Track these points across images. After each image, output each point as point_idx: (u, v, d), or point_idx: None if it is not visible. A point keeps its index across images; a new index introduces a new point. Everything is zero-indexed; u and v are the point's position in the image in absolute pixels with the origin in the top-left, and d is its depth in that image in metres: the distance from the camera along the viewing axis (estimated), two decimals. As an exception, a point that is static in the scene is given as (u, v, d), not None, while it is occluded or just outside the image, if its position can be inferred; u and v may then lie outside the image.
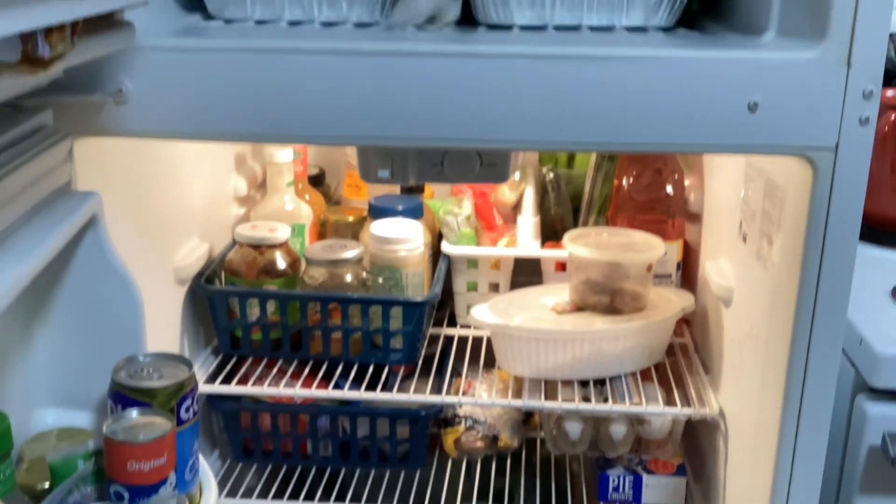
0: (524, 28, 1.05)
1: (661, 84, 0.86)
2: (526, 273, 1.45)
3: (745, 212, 1.12)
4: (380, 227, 1.30)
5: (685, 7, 1.05)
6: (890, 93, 1.39)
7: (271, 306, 1.25)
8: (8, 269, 0.61)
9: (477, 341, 1.39)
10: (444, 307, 1.45)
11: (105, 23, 0.61)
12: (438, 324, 1.43)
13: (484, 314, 1.25)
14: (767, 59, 0.85)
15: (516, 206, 1.44)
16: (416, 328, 1.27)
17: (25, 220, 0.71)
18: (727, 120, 0.86)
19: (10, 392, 0.83)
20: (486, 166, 0.97)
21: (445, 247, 1.39)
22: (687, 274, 1.41)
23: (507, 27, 1.05)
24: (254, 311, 1.26)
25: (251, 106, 0.89)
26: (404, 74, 0.87)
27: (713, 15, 1.10)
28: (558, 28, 1.05)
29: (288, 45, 0.88)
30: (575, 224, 1.47)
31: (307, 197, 1.48)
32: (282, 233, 1.29)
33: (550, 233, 1.45)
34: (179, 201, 1.21)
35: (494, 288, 1.42)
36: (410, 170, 0.96)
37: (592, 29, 1.04)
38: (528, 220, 1.41)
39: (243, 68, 0.88)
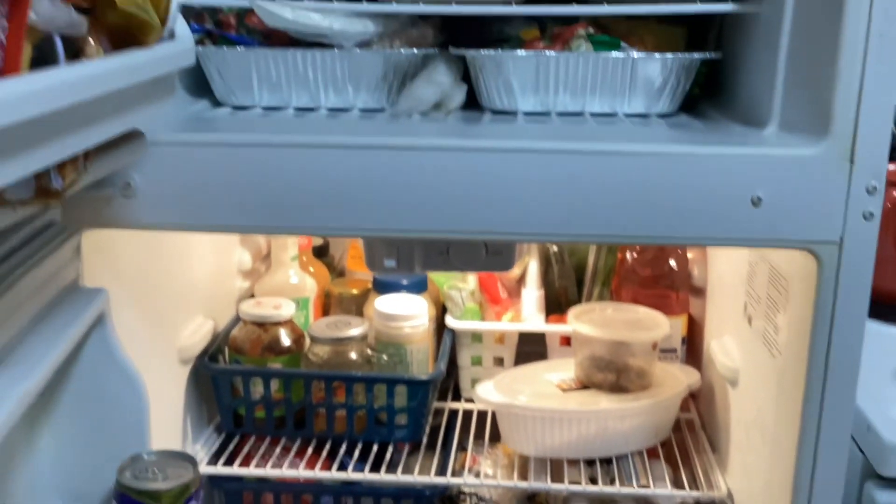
0: (528, 114, 1.06)
1: (665, 179, 0.87)
2: (531, 343, 1.45)
3: (750, 294, 1.12)
4: (384, 304, 1.30)
5: (686, 92, 1.07)
6: (892, 167, 1.39)
7: (275, 384, 1.25)
8: (15, 386, 0.61)
9: (482, 415, 1.38)
10: (448, 378, 1.45)
11: (117, 139, 0.62)
12: (443, 396, 1.43)
13: (489, 393, 1.25)
14: (770, 155, 0.86)
15: (520, 280, 1.44)
16: (421, 405, 1.26)
17: (32, 327, 0.71)
18: (731, 214, 0.87)
19: (15, 490, 0.82)
20: (491, 255, 0.97)
21: (450, 321, 1.39)
22: (692, 348, 1.41)
23: (512, 113, 1.06)
24: (257, 390, 1.26)
25: (259, 199, 0.90)
26: (410, 168, 0.88)
27: (714, 100, 1.11)
28: (561, 114, 1.06)
29: (295, 140, 0.89)
30: (579, 296, 1.47)
31: (311, 269, 1.49)
32: (286, 310, 1.29)
33: (555, 305, 1.45)
34: (185, 280, 1.22)
35: (499, 362, 1.41)
36: (416, 259, 0.97)
37: (595, 115, 1.06)
38: (532, 294, 1.41)
39: (250, 162, 0.89)
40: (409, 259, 0.97)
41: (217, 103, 1.10)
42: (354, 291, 1.45)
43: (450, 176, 0.88)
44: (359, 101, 1.07)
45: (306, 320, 1.41)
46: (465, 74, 1.09)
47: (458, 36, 1.11)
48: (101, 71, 0.50)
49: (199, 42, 1.06)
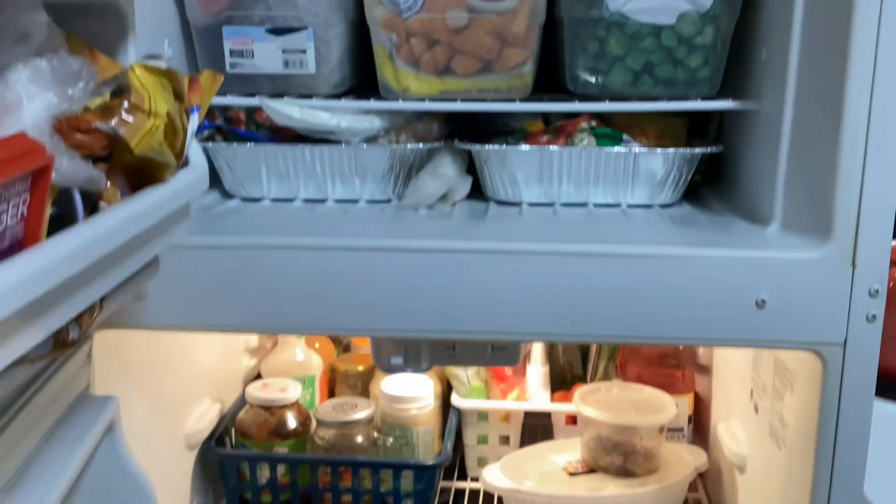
0: (532, 205, 1.08)
1: (670, 281, 0.87)
2: (537, 417, 1.45)
3: (756, 381, 1.13)
4: (390, 385, 1.30)
5: (689, 182, 1.08)
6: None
7: (281, 468, 1.25)
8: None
9: (488, 497, 1.37)
10: (454, 456, 1.44)
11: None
12: (448, 474, 1.42)
13: (495, 477, 1.25)
14: (774, 258, 0.86)
15: (525, 357, 1.45)
16: (427, 488, 1.26)
17: (44, 443, 0.72)
18: (735, 316, 0.87)
19: None
20: (497, 350, 0.98)
21: (456, 400, 1.39)
22: (699, 427, 1.41)
23: (516, 204, 1.08)
24: (264, 474, 1.26)
25: (269, 300, 0.91)
26: (416, 269, 0.89)
27: (717, 188, 1.13)
28: (566, 205, 1.07)
29: (302, 243, 0.90)
30: (584, 372, 1.47)
31: (317, 344, 1.49)
32: (292, 392, 1.29)
33: (560, 381, 1.45)
34: (192, 366, 1.22)
35: (505, 440, 1.41)
36: (423, 356, 0.98)
37: (598, 206, 1.07)
38: (537, 370, 1.41)
39: (260, 264, 0.90)
40: (416, 356, 0.97)
41: (226, 194, 1.11)
42: (360, 368, 1.46)
43: (456, 277, 0.89)
44: (366, 192, 1.09)
45: (312, 398, 1.41)
46: (470, 164, 1.10)
47: (464, 127, 1.13)
48: (120, 221, 0.51)
49: (209, 137, 1.08)
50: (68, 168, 0.49)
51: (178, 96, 0.59)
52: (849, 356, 0.87)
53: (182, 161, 0.65)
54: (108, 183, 0.55)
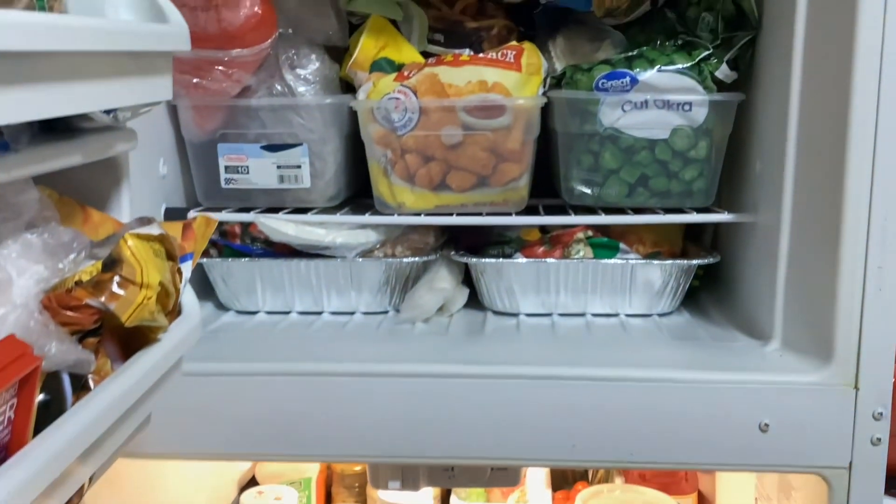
0: (530, 315, 1.07)
1: (670, 405, 0.86)
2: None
3: (760, 491, 1.11)
4: (388, 493, 1.28)
5: (687, 290, 1.07)
6: None
7: (278, 581, 1.22)
8: None
9: None
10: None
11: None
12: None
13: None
14: (776, 382, 0.85)
15: (526, 455, 1.42)
16: None
17: None
18: (738, 441, 0.86)
19: None
20: (497, 472, 0.96)
21: (456, 503, 1.37)
22: (703, 527, 1.38)
23: (514, 314, 1.07)
24: (260, 587, 1.23)
25: (262, 427, 0.89)
26: (412, 395, 0.88)
27: (715, 293, 1.12)
28: (564, 315, 1.07)
29: (296, 369, 0.89)
30: (586, 471, 1.45)
31: (314, 443, 1.47)
32: (288, 501, 1.27)
33: (561, 481, 1.43)
34: (186, 472, 1.20)
35: (506, 543, 1.38)
36: (421, 478, 0.96)
37: (596, 316, 1.06)
38: (539, 471, 1.39)
39: (253, 391, 0.89)
40: (413, 479, 0.96)
41: (220, 306, 1.10)
42: (357, 469, 1.43)
43: (453, 402, 0.88)
44: (362, 304, 1.08)
45: (308, 502, 1.39)
46: (467, 273, 1.10)
47: (460, 236, 1.13)
48: (109, 403, 0.50)
49: (203, 253, 1.07)
50: (57, 353, 0.48)
51: (170, 257, 0.58)
52: (854, 479, 0.86)
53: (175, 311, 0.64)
54: (99, 355, 0.54)
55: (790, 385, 0.85)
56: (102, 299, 0.51)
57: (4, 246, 0.51)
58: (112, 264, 0.53)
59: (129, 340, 0.58)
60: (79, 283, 0.52)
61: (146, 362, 0.56)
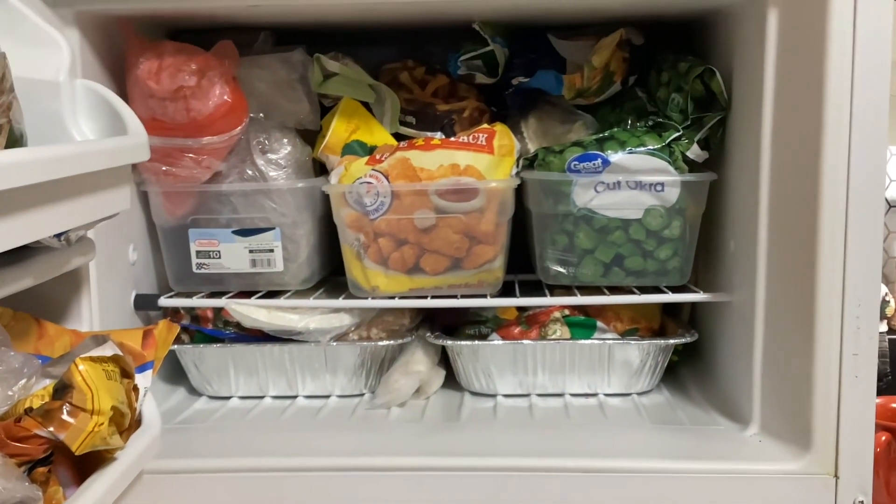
0: (508, 396, 1.05)
1: (652, 496, 0.85)
2: None
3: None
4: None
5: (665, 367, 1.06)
6: (881, 401, 1.38)
7: None
8: None
9: None
10: None
11: None
12: None
13: None
14: (755, 472, 0.84)
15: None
16: None
17: None
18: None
19: None
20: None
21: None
22: None
23: (492, 395, 1.06)
24: None
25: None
26: (388, 489, 0.86)
27: (694, 368, 1.11)
28: (541, 395, 1.05)
29: (265, 464, 0.87)
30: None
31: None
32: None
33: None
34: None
35: None
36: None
37: (575, 396, 1.05)
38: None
39: (228, 488, 0.87)
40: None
41: (193, 390, 1.09)
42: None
43: (428, 495, 0.86)
44: (337, 387, 1.06)
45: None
46: (444, 354, 1.08)
47: (436, 316, 1.12)
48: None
49: (175, 339, 1.06)
50: (3, 491, 0.47)
51: (126, 375, 0.57)
52: (841, 569, 0.84)
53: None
54: (50, 483, 0.52)
55: (770, 474, 0.84)
56: (52, 429, 0.50)
57: (-48, 376, 0.49)
58: (63, 390, 0.51)
59: (83, 462, 0.56)
60: (29, 411, 0.51)
61: (100, 487, 0.55)
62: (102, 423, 0.52)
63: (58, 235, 0.59)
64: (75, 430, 0.51)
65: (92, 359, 0.53)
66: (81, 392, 0.51)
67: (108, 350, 0.55)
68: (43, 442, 0.50)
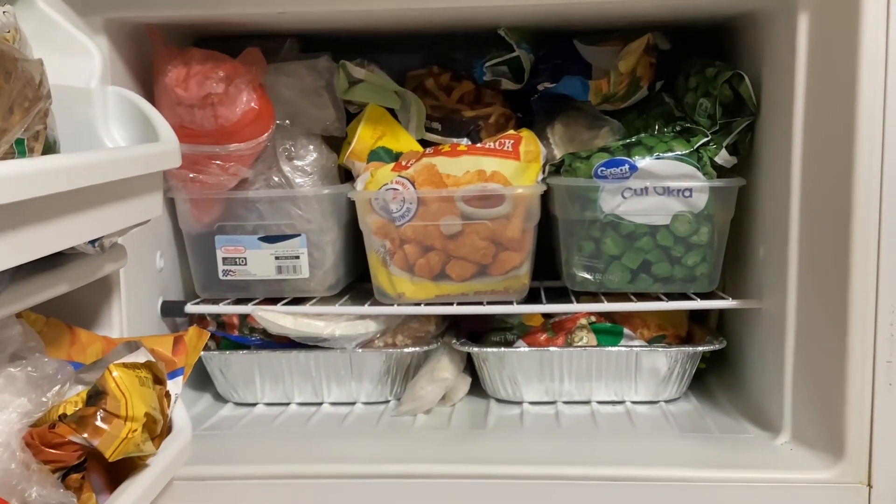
0: (534, 403, 1.05)
1: (679, 504, 0.84)
2: None
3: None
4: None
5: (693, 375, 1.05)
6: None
7: None
8: None
9: None
10: None
11: None
12: None
13: None
14: (787, 480, 0.83)
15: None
16: None
17: None
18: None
19: None
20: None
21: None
22: None
23: (517, 403, 1.05)
24: None
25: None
26: (415, 497, 0.86)
27: (722, 377, 1.10)
28: (568, 402, 1.04)
29: (299, 471, 0.87)
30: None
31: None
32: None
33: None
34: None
35: None
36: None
37: (602, 403, 1.04)
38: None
39: (254, 495, 0.87)
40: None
41: (219, 397, 1.09)
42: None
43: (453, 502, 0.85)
44: (362, 394, 1.06)
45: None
46: (469, 361, 1.08)
47: (462, 323, 1.11)
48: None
49: (201, 345, 1.06)
50: (38, 498, 0.47)
51: (158, 381, 0.57)
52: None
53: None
54: (84, 490, 0.52)
55: (802, 483, 0.83)
56: (86, 435, 0.50)
57: (-13, 381, 0.49)
58: (97, 396, 0.51)
59: (116, 469, 0.57)
60: (63, 418, 0.51)
61: (133, 493, 0.55)
62: (136, 430, 0.52)
63: (92, 242, 0.59)
64: (109, 436, 0.51)
65: (125, 365, 0.53)
66: (115, 398, 0.51)
67: (141, 356, 0.55)
68: (77, 448, 0.50)
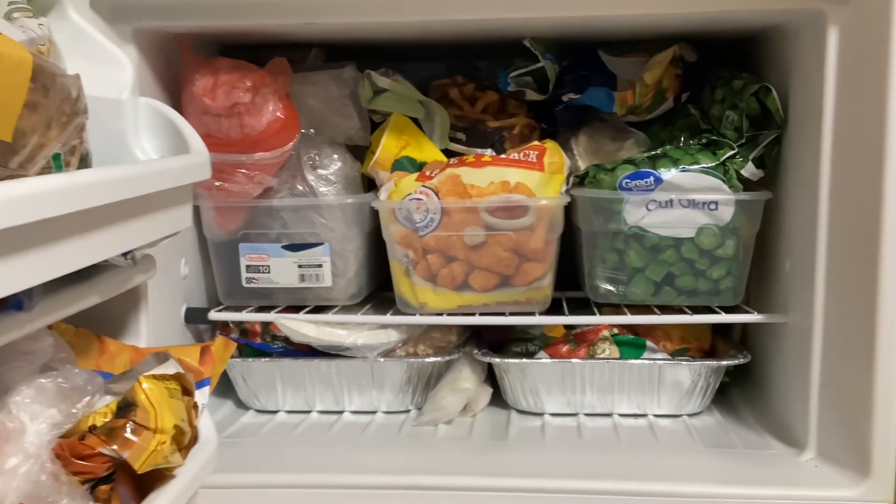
0: (555, 415, 1.04)
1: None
2: None
3: None
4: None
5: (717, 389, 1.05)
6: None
7: None
8: None
9: None
10: None
11: None
12: None
13: None
14: (812, 498, 0.82)
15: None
16: None
17: None
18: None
19: None
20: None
21: None
22: None
23: (539, 414, 1.05)
24: None
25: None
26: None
27: (746, 391, 1.09)
28: (589, 415, 1.04)
29: (320, 481, 0.88)
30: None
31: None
32: None
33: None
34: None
35: None
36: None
37: (623, 416, 1.04)
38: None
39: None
40: None
41: (240, 403, 1.09)
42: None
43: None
44: (383, 403, 1.06)
45: None
46: (490, 371, 1.08)
47: (483, 333, 1.11)
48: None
49: (224, 352, 1.07)
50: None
51: (186, 392, 0.57)
52: None
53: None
54: (112, 502, 0.52)
55: (828, 501, 0.82)
56: (115, 447, 0.50)
57: (18, 392, 0.50)
58: (126, 408, 0.52)
59: (143, 480, 0.57)
60: (92, 429, 0.51)
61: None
62: (164, 442, 0.52)
63: (125, 254, 0.59)
64: (138, 448, 0.51)
65: (155, 377, 0.53)
66: (145, 410, 0.52)
67: (170, 368, 0.55)
68: (106, 460, 0.51)
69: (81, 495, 0.49)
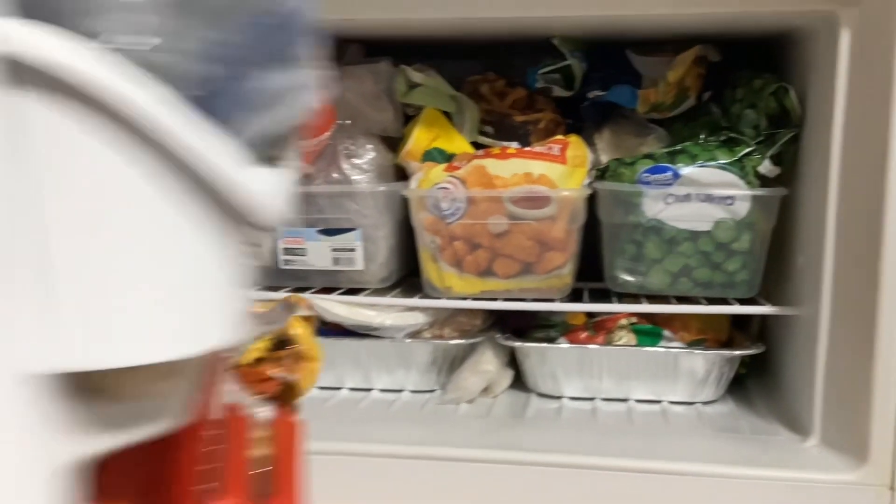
0: (573, 399, 1.09)
1: (707, 499, 0.87)
2: None
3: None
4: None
5: (731, 379, 1.08)
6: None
7: None
8: None
9: None
10: None
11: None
12: None
13: None
14: (811, 480, 0.86)
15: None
16: None
17: None
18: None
19: None
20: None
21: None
22: None
23: (557, 398, 1.09)
24: None
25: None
26: (454, 479, 0.91)
27: (760, 380, 1.12)
28: (606, 399, 1.08)
29: (349, 448, 0.93)
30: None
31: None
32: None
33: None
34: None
35: None
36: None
37: (639, 402, 1.08)
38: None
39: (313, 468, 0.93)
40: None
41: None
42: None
43: (492, 488, 0.90)
44: (410, 382, 1.12)
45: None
46: (512, 355, 1.13)
47: (506, 318, 1.16)
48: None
49: (261, 329, 1.13)
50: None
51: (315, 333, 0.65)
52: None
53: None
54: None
55: (826, 483, 0.85)
56: (285, 374, 0.57)
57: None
58: (283, 343, 0.59)
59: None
60: (259, 360, 0.59)
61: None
62: (316, 370, 0.60)
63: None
64: (305, 372, 0.59)
65: (302, 318, 0.61)
66: (301, 343, 0.60)
67: (304, 311, 0.63)
68: (278, 384, 0.58)
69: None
